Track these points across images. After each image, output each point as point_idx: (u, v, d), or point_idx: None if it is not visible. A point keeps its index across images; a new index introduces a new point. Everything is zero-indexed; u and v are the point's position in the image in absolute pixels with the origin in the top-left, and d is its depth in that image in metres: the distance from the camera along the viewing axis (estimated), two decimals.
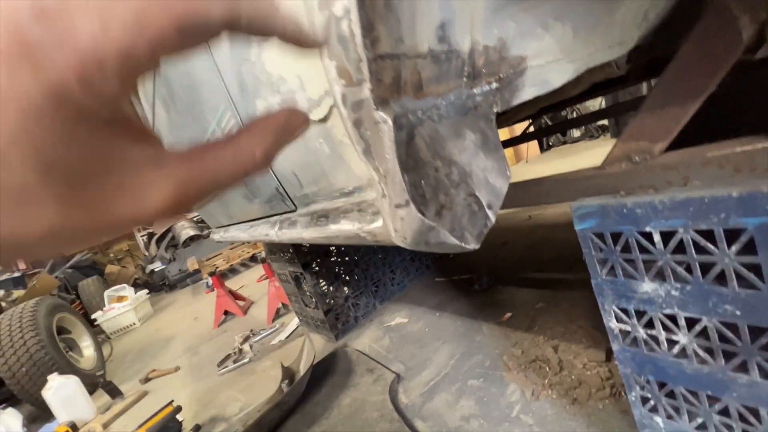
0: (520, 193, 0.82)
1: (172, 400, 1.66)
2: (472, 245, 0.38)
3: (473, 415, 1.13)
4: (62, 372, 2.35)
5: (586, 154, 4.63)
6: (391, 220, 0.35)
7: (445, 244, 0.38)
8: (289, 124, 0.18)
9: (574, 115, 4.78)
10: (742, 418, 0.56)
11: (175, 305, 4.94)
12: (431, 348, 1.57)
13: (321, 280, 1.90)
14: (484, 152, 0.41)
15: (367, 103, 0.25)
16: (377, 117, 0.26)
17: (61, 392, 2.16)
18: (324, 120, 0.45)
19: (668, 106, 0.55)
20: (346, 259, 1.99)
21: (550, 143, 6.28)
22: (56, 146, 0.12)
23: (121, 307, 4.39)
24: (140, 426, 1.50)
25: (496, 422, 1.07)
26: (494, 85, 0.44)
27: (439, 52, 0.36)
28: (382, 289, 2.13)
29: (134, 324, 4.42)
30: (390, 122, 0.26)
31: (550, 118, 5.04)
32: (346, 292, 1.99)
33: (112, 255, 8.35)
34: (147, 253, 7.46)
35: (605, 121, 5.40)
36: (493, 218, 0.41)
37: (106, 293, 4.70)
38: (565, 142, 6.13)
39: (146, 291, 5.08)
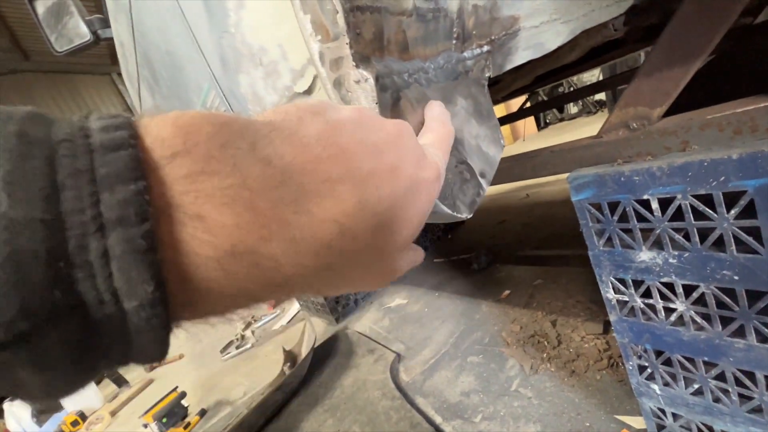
0: (517, 166, 0.80)
1: (177, 386, 1.68)
2: (465, 214, 0.36)
3: (473, 390, 1.15)
4: None
5: (584, 131, 4.58)
6: None
7: (436, 213, 0.36)
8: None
9: (571, 89, 4.70)
10: (738, 382, 0.57)
11: None
12: (431, 327, 1.58)
13: None
14: (477, 119, 0.40)
15: (346, 61, 0.24)
16: (358, 75, 0.24)
17: None
18: (308, 92, 0.42)
19: (667, 69, 0.53)
20: None
21: (548, 120, 6.22)
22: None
23: None
24: (146, 412, 1.52)
25: (496, 396, 1.09)
26: (485, 48, 0.42)
27: (425, 10, 0.34)
28: None
29: None
30: (372, 80, 0.24)
31: (547, 94, 4.97)
32: None
33: None
34: None
35: (603, 97, 5.34)
36: (485, 186, 0.39)
37: None
38: (562, 119, 6.08)
39: None
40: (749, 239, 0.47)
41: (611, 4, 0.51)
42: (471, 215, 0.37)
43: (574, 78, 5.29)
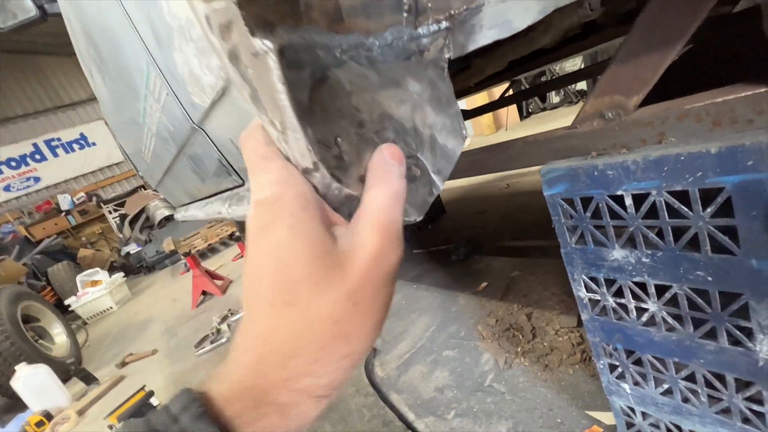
0: (490, 157, 0.76)
1: (144, 386, 1.62)
2: (413, 217, 0.32)
3: (447, 386, 1.13)
4: (31, 361, 2.26)
5: (566, 120, 4.59)
6: None
7: None
8: None
9: (554, 78, 4.68)
10: (708, 384, 0.55)
11: (154, 287, 4.82)
12: (408, 320, 1.56)
13: None
14: (433, 106, 0.34)
15: (237, 26, 0.18)
16: (256, 46, 0.19)
17: (31, 382, 2.09)
18: None
19: (644, 54, 0.49)
20: None
21: (530, 110, 6.22)
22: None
23: (96, 291, 4.24)
24: (110, 414, 1.45)
25: (470, 392, 1.07)
26: (444, 24, 0.37)
27: None
28: None
29: (111, 308, 4.31)
30: (274, 53, 0.19)
31: (529, 82, 4.96)
32: None
33: (84, 239, 8.01)
34: (121, 236, 7.19)
35: (584, 86, 5.35)
36: (440, 184, 0.34)
37: (79, 278, 4.52)
38: (544, 109, 6.09)
39: (122, 274, 4.92)
40: (725, 239, 0.44)
41: None
42: (421, 218, 0.32)
43: (557, 67, 5.27)
